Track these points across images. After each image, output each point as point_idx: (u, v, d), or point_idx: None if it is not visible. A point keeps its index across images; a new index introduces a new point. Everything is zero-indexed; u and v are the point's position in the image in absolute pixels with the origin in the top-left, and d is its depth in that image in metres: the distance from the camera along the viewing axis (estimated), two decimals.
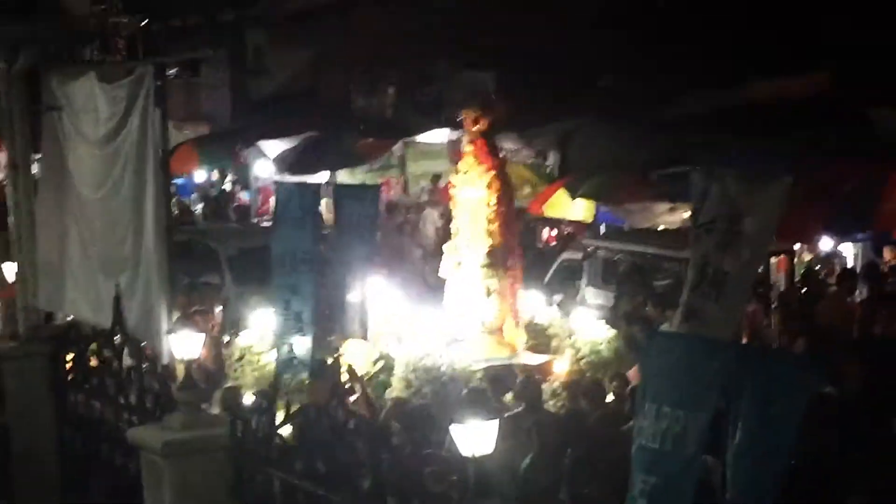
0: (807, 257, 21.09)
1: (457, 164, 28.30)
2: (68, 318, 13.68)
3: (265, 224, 28.50)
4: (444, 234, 26.94)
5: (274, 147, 29.86)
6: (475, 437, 8.77)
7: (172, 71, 12.97)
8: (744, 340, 15.09)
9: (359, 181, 27.77)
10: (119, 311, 11.98)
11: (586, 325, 15.92)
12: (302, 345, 13.02)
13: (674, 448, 7.80)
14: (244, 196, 33.72)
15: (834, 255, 21.21)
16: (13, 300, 13.80)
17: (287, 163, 28.96)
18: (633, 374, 14.80)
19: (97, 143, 12.44)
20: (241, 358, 15.19)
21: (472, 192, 15.74)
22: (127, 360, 12.02)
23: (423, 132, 28.56)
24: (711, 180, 10.40)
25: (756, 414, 7.75)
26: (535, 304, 16.59)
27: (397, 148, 30.78)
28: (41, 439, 12.72)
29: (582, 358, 15.47)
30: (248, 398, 13.19)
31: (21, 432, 12.63)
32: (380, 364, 14.88)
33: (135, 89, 11.70)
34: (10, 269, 14.48)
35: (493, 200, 15.76)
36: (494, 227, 15.73)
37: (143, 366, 11.68)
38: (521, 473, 10.97)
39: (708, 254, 10.27)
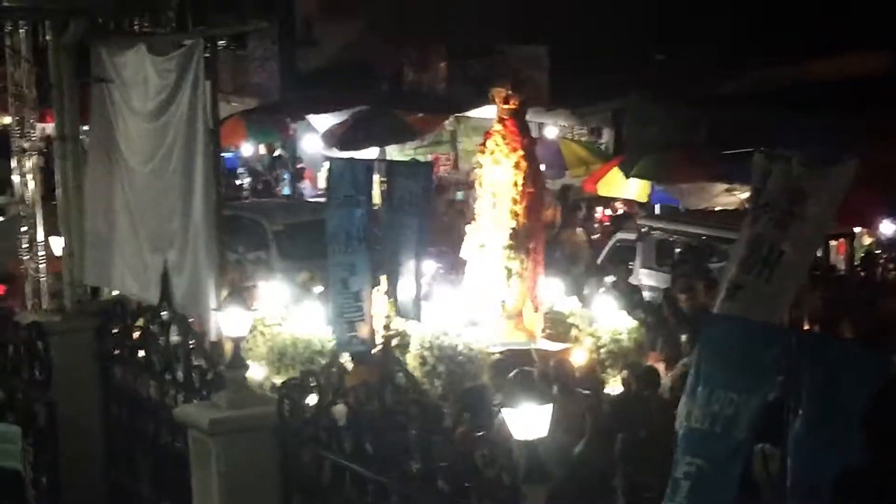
0: (867, 241, 20.74)
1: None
2: (114, 294, 13.59)
3: (312, 199, 28.44)
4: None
5: (323, 121, 29.75)
6: (528, 421, 8.59)
7: (221, 43, 12.82)
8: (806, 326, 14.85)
9: (408, 157, 27.60)
10: (166, 286, 11.85)
11: (607, 314, 15.64)
12: (362, 324, 12.90)
13: (724, 431, 7.68)
14: (285, 177, 33.55)
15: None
16: (60, 274, 13.73)
17: (336, 137, 28.85)
18: (653, 357, 14.60)
19: (146, 116, 12.30)
20: (252, 329, 15.02)
21: (499, 173, 15.39)
22: (174, 337, 11.89)
23: (474, 107, 28.31)
24: (774, 162, 10.18)
25: (817, 404, 7.57)
26: (555, 290, 16.24)
27: (448, 123, 30.63)
28: (87, 415, 12.66)
29: (602, 347, 15.24)
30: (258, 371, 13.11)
31: (67, 407, 12.55)
32: (395, 341, 14.71)
33: (185, 62, 11.55)
34: (58, 243, 14.38)
35: (520, 181, 15.43)
36: (519, 208, 15.39)
37: (191, 342, 11.56)
38: (574, 458, 10.80)
39: (764, 233, 10.04)
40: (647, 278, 19.19)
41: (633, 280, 18.98)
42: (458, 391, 12.89)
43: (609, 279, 18.31)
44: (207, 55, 11.25)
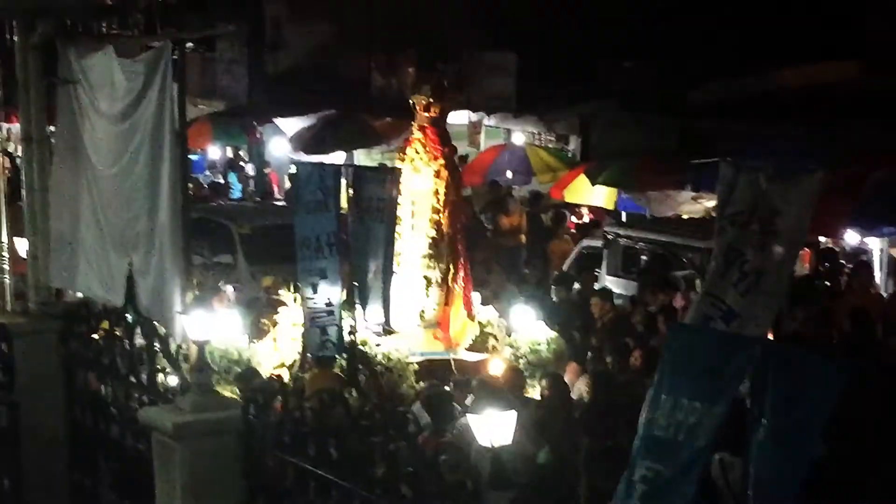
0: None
1: (476, 145, 28.43)
2: (79, 296, 13.54)
3: (278, 202, 28.40)
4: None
5: (290, 125, 29.76)
6: (492, 428, 8.62)
7: (189, 45, 12.80)
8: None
9: (376, 162, 27.61)
10: (132, 289, 11.81)
11: (525, 325, 15.61)
12: (333, 327, 12.89)
13: (685, 439, 7.71)
14: (248, 170, 33.52)
15: (861, 250, 20.99)
16: (24, 276, 13.66)
17: (303, 141, 28.87)
18: (570, 370, 14.58)
19: (113, 119, 12.24)
20: None
21: (419, 181, 15.20)
22: (139, 340, 11.85)
23: None
24: (740, 172, 10.24)
25: (781, 412, 7.61)
26: (473, 300, 16.12)
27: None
28: (50, 417, 12.57)
29: (521, 357, 15.22)
30: None
31: (30, 409, 12.47)
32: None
33: (152, 65, 11.50)
34: (22, 245, 14.32)
35: (442, 190, 15.34)
36: (441, 217, 15.28)
37: (155, 345, 11.52)
38: (538, 465, 10.81)
39: (736, 245, 10.12)
40: (613, 285, 19.23)
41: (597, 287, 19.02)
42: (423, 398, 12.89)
43: (576, 286, 18.37)
44: (175, 58, 11.21)
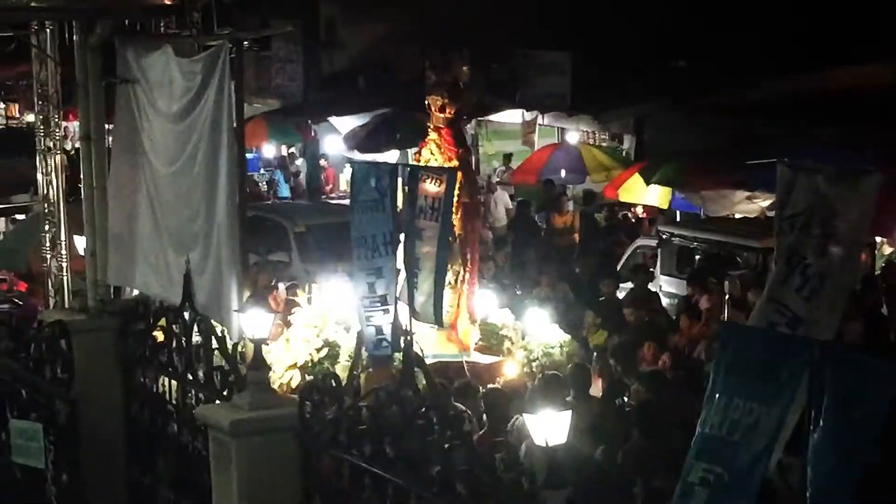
0: (887, 250, 20.72)
1: (530, 144, 28.44)
2: (136, 293, 13.64)
3: (333, 201, 28.50)
4: (515, 217, 26.95)
5: (344, 123, 29.85)
6: (548, 427, 8.64)
7: (244, 45, 12.87)
8: None
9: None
10: (189, 287, 11.87)
11: (539, 327, 15.53)
12: (388, 326, 12.90)
13: (742, 439, 7.69)
14: (276, 178, 33.64)
15: None
16: (82, 273, 13.75)
17: (357, 140, 28.94)
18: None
19: (171, 118, 12.34)
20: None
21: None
22: (196, 337, 11.92)
23: (496, 111, 28.40)
24: (798, 174, 10.20)
25: (838, 414, 7.58)
26: (487, 303, 16.09)
27: (470, 127, 30.65)
28: (108, 413, 12.65)
29: (534, 360, 15.16)
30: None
31: (89, 406, 12.55)
32: (324, 351, 14.69)
33: (210, 64, 11.58)
34: (81, 243, 14.43)
35: (455, 192, 15.28)
36: (455, 219, 15.15)
37: (213, 343, 11.60)
38: (595, 464, 10.82)
39: (797, 247, 10.08)
40: (667, 285, 19.21)
41: (652, 286, 19.01)
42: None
43: (627, 285, 18.37)
44: (233, 57, 11.29)
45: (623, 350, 14.50)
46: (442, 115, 15.28)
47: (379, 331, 12.94)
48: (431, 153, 15.22)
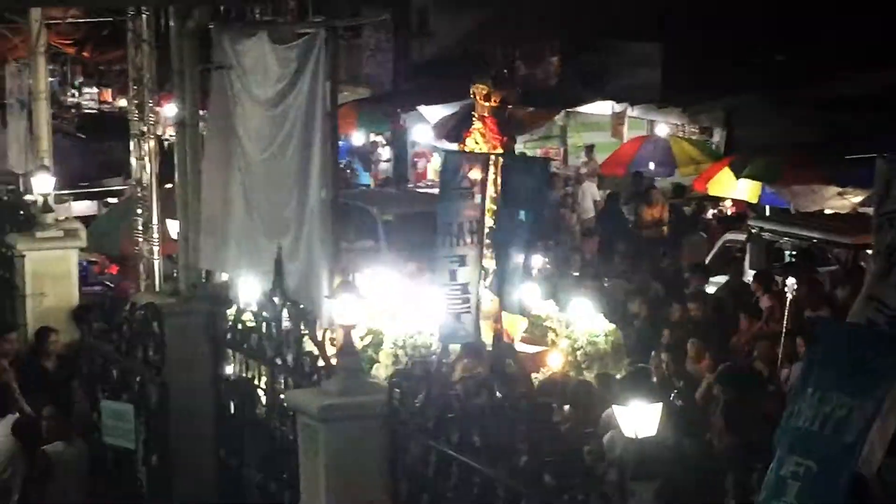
0: None
1: (619, 136, 28.34)
2: (225, 278, 13.76)
3: (421, 190, 28.55)
4: (602, 208, 26.88)
5: (434, 112, 29.84)
6: (638, 419, 8.62)
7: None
8: None
9: (517, 151, 27.58)
10: (280, 272, 11.94)
11: (583, 317, 15.47)
12: (467, 315, 12.90)
13: (834, 433, 7.69)
14: (384, 155, 33.74)
15: None
16: (173, 257, 13.89)
17: (446, 129, 28.93)
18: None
19: (266, 104, 12.42)
20: None
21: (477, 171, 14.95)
22: (286, 323, 11.99)
23: (586, 103, 28.31)
24: None
25: None
26: (531, 294, 15.81)
27: (559, 118, 30.63)
28: (198, 396, 12.73)
29: (578, 349, 15.06)
30: None
31: (179, 388, 12.66)
32: (368, 339, 14.68)
33: (306, 51, 11.66)
34: (174, 227, 14.57)
35: (499, 180, 15.24)
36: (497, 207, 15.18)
37: (302, 329, 11.66)
38: (683, 456, 10.78)
39: (893, 245, 9.97)
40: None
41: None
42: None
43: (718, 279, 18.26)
44: (330, 46, 11.34)
45: (674, 347, 14.49)
46: (487, 104, 15.23)
47: (457, 318, 12.94)
48: (476, 142, 15.18)
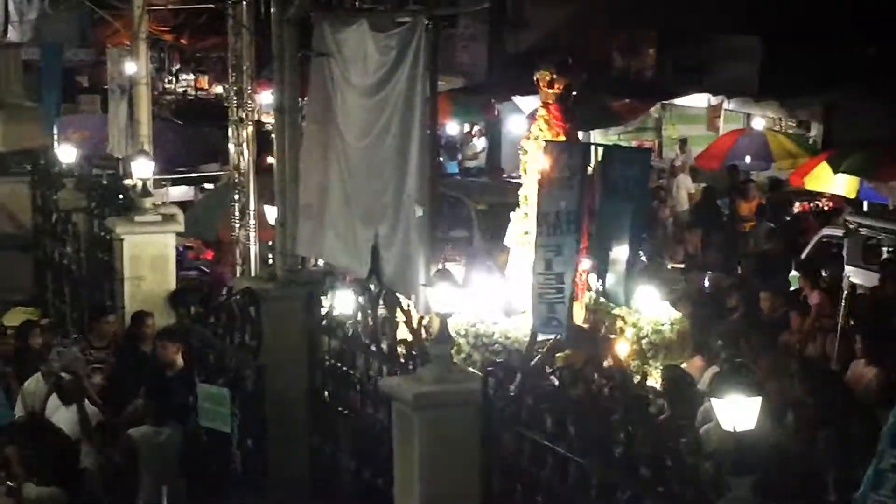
0: None
1: (715, 129, 28.15)
2: (321, 264, 13.82)
3: (515, 180, 28.50)
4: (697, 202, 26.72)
5: (529, 103, 29.76)
6: (737, 412, 8.56)
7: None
8: None
9: (612, 143, 27.52)
10: (376, 260, 11.99)
11: (650, 305, 15.29)
12: (560, 305, 12.83)
13: None
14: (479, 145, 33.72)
15: None
16: (269, 242, 13.96)
17: None
18: (695, 364, 14.26)
19: (365, 92, 12.45)
20: None
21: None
22: (381, 310, 12.04)
23: (682, 95, 28.15)
24: None
25: None
26: (636, 286, 15.70)
27: (654, 110, 30.50)
28: (293, 381, 12.83)
29: (644, 338, 14.90)
30: None
31: (275, 373, 12.76)
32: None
33: (406, 39, 11.66)
34: (271, 213, 14.65)
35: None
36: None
37: (398, 316, 11.70)
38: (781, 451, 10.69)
39: None
40: (854, 276, 18.86)
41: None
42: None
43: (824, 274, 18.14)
44: (430, 34, 11.35)
45: (728, 336, 14.39)
46: (551, 91, 15.18)
47: (551, 309, 12.87)
48: (540, 129, 15.16)
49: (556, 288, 13.04)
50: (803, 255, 20.64)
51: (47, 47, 24.93)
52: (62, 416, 12.97)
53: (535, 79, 15.44)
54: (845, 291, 15.32)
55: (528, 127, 26.93)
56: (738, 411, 8.52)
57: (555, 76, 15.22)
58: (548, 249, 13.00)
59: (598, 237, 13.03)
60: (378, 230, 12.16)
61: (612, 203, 12.78)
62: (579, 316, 15.14)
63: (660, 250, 22.18)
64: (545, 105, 15.32)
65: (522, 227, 15.29)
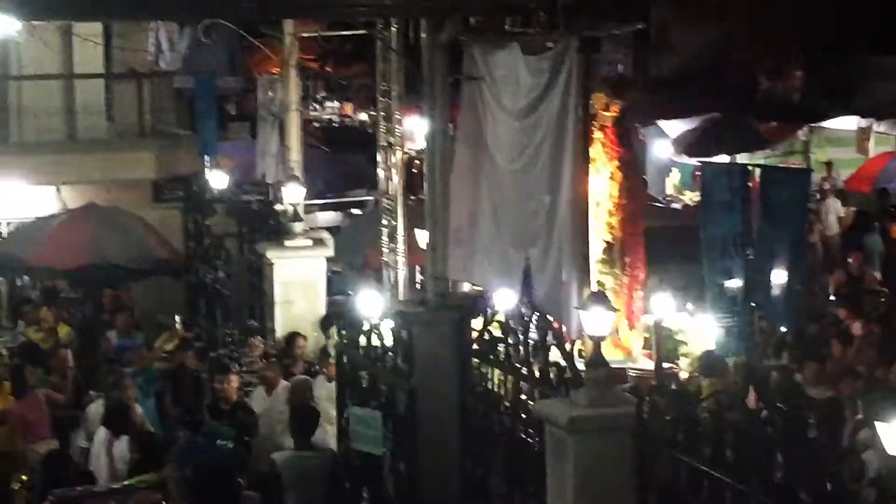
0: None
1: (865, 152, 27.72)
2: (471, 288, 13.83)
3: (660, 204, 28.31)
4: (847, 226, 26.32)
5: (673, 127, 29.63)
6: None
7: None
8: None
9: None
10: (528, 283, 11.95)
11: (704, 333, 14.89)
12: (734, 328, 12.73)
13: None
14: None
15: None
16: (418, 266, 13.99)
17: (686, 143, 28.73)
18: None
19: (516, 114, 12.46)
20: None
21: (598, 182, 14.61)
22: (533, 334, 11.99)
23: (830, 118, 27.74)
24: None
25: None
26: (664, 306, 15.36)
27: (802, 133, 30.09)
28: (445, 405, 12.82)
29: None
30: None
31: (427, 396, 12.77)
32: None
33: (558, 62, 11.68)
34: (422, 237, 14.68)
35: (616, 193, 14.80)
36: (615, 220, 14.81)
37: (550, 340, 11.64)
38: None
39: None
40: None
41: None
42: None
43: None
44: (585, 56, 11.34)
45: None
46: (606, 114, 14.96)
47: (729, 332, 12.75)
48: (596, 152, 14.92)
49: (732, 311, 12.88)
50: None
51: (201, 76, 25.37)
52: None
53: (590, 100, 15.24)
54: None
55: (673, 152, 26.85)
56: None
57: (610, 99, 15.03)
58: (719, 273, 12.84)
59: (758, 259, 12.84)
60: (530, 253, 12.14)
61: (771, 225, 12.61)
62: (638, 343, 15.01)
63: (811, 273, 21.85)
64: (601, 128, 15.09)
65: None
